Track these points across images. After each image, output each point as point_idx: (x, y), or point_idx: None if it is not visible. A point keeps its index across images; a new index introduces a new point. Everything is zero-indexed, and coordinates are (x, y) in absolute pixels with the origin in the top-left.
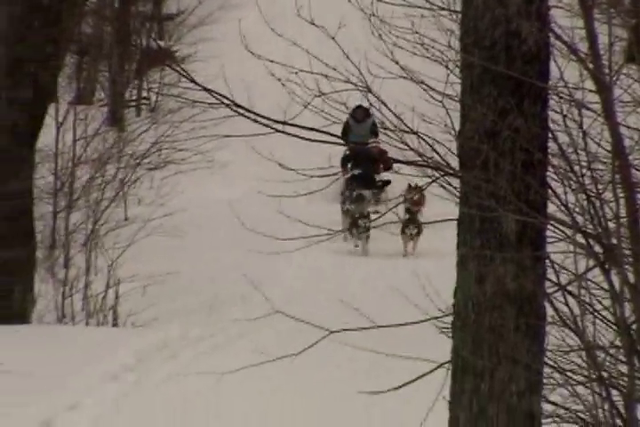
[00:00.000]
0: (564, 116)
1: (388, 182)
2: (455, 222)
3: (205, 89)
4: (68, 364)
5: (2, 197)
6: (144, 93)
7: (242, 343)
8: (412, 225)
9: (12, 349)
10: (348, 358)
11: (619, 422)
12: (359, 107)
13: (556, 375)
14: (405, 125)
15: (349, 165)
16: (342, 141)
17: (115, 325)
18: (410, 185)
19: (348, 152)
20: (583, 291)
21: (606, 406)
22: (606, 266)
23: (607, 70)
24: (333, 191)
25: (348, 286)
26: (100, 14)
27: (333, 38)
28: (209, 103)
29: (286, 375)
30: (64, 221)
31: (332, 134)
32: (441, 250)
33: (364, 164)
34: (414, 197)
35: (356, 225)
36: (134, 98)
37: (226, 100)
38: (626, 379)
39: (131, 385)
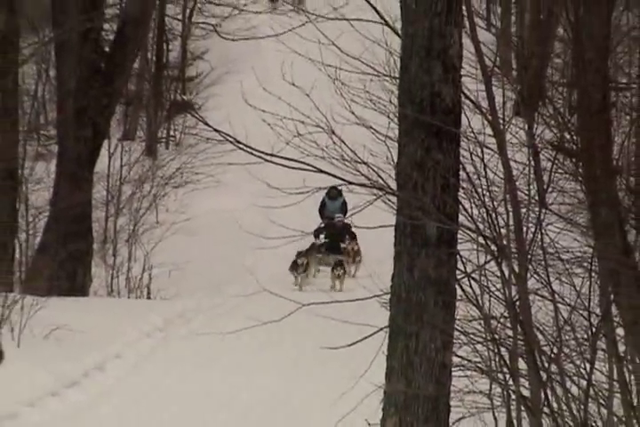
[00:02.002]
0: (471, 153)
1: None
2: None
3: (215, 130)
4: (114, 325)
5: (70, 206)
6: (171, 133)
7: (238, 312)
8: (339, 267)
9: (74, 314)
10: (316, 324)
11: (505, 370)
12: (333, 187)
13: (462, 337)
14: (358, 158)
15: (322, 236)
16: (318, 211)
17: (148, 298)
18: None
19: (322, 225)
20: (483, 277)
21: (497, 359)
22: (499, 259)
23: (501, 121)
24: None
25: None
26: (142, 76)
27: (308, 95)
28: (218, 140)
29: (270, 335)
30: (113, 224)
31: (305, 163)
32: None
33: (332, 234)
34: (354, 248)
35: (296, 265)
36: (164, 136)
37: (230, 138)
38: (511, 340)
39: (160, 341)
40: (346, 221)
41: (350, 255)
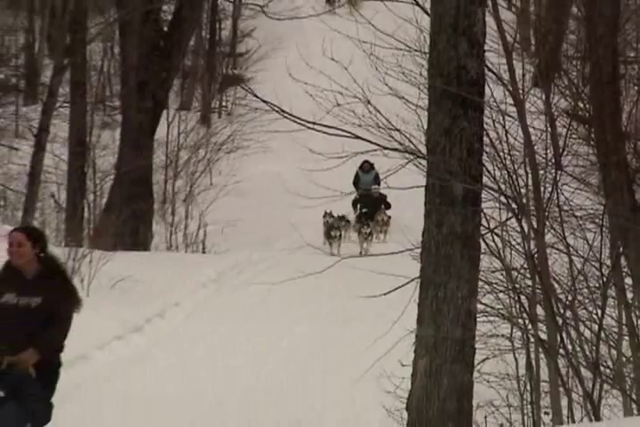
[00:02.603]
0: (494, 121)
1: (389, 217)
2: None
3: (263, 101)
4: (173, 276)
5: (132, 170)
6: (224, 103)
7: (285, 264)
8: (365, 227)
9: (138, 266)
10: (353, 277)
11: (524, 315)
12: (366, 161)
13: (486, 286)
14: (392, 125)
15: (359, 206)
16: (353, 184)
17: (203, 252)
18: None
19: (357, 196)
20: (504, 232)
21: (517, 306)
22: (519, 216)
23: (521, 91)
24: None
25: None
26: (197, 52)
27: (346, 69)
28: (265, 110)
29: (313, 286)
30: (171, 186)
31: (344, 130)
32: None
33: (369, 205)
34: (384, 218)
35: (329, 235)
36: (217, 106)
37: (276, 108)
38: (530, 289)
39: (214, 291)
40: (382, 191)
41: (379, 224)
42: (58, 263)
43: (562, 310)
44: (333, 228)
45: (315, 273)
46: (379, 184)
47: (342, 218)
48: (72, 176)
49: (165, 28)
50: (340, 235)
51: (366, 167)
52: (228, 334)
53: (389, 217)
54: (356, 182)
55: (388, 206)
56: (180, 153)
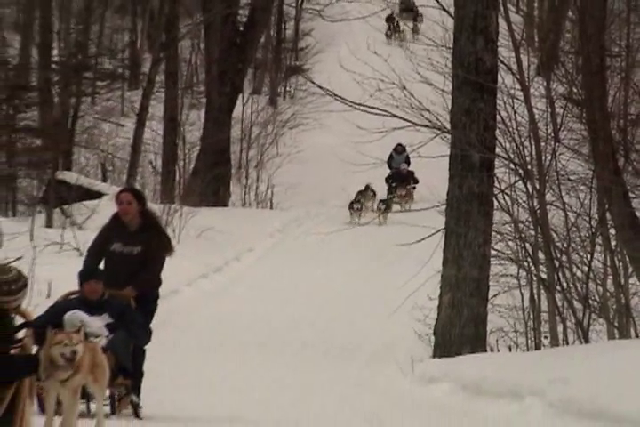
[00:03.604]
0: (504, 102)
1: (412, 188)
2: None
3: (319, 87)
4: (247, 227)
5: (214, 142)
6: (288, 88)
7: (336, 218)
8: (381, 203)
9: (218, 220)
10: (390, 230)
11: (529, 259)
12: (399, 144)
13: (498, 236)
14: (422, 106)
15: (391, 181)
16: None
17: (271, 208)
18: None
19: (390, 174)
20: (513, 193)
21: (523, 252)
22: (525, 180)
23: (526, 79)
24: None
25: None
26: (266, 48)
27: (386, 60)
28: (321, 94)
29: (358, 236)
30: (245, 155)
31: (384, 110)
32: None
33: (398, 180)
34: (402, 193)
35: (352, 207)
36: (283, 91)
37: (329, 92)
38: (533, 237)
39: (279, 239)
40: (410, 169)
41: (401, 196)
42: (155, 217)
43: (559, 255)
44: (355, 201)
45: (360, 225)
46: (409, 164)
47: (367, 188)
48: (166, 147)
49: (241, 28)
50: (361, 207)
51: (399, 149)
52: (291, 273)
53: (413, 188)
54: (390, 162)
55: (416, 181)
56: (252, 128)
